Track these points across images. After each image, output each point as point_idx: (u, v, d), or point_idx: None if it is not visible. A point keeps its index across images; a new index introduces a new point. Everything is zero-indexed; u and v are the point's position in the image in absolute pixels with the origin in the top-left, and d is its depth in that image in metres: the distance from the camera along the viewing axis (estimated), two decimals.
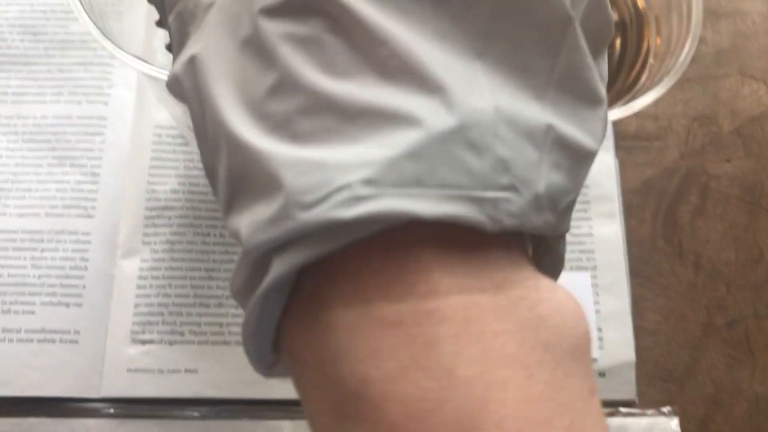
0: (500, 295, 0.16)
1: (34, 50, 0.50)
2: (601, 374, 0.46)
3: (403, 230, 0.16)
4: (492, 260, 0.17)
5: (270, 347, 0.18)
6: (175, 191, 0.47)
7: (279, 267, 0.16)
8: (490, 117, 0.16)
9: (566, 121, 0.18)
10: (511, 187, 0.16)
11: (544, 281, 0.17)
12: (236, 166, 0.17)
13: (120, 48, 0.34)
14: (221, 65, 0.18)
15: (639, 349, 0.46)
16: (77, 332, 0.45)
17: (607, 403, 0.46)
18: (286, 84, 0.16)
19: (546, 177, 0.17)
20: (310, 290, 0.17)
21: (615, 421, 0.45)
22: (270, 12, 0.17)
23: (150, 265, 0.46)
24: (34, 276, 0.45)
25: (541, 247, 0.19)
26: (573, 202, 0.18)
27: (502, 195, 0.16)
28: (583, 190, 0.49)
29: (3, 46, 0.50)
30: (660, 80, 0.33)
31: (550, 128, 0.17)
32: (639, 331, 0.47)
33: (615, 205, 0.49)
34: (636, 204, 0.49)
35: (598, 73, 0.19)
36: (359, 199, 0.15)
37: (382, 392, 0.15)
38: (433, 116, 0.16)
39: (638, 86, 0.36)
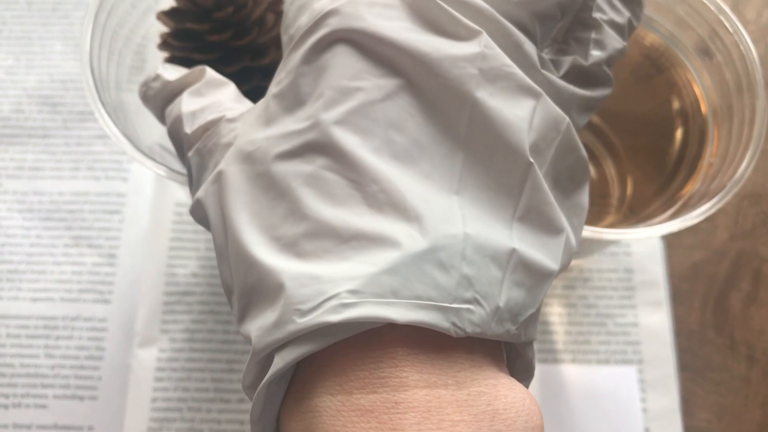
0: (461, 390, 0.19)
1: (52, 122, 0.48)
2: None
3: (380, 332, 0.19)
4: (456, 360, 0.20)
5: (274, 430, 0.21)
6: (195, 275, 0.45)
7: (279, 362, 0.19)
8: (459, 241, 0.20)
9: (529, 246, 0.21)
10: (474, 300, 0.19)
11: (504, 380, 0.20)
12: (250, 281, 0.21)
13: (137, 147, 0.32)
14: (239, 194, 0.22)
15: None
16: (91, 429, 0.42)
17: None
18: (296, 212, 0.21)
19: (507, 293, 0.20)
20: (303, 382, 0.20)
21: None
22: (283, 156, 0.21)
23: (169, 356, 0.43)
24: (47, 366, 0.43)
25: (512, 353, 0.22)
26: (535, 315, 0.21)
27: (465, 306, 0.19)
28: (628, 276, 0.46)
29: (21, 118, 0.48)
30: (717, 191, 0.30)
31: (513, 252, 0.20)
32: (689, 430, 0.43)
33: (662, 292, 0.45)
34: (684, 290, 0.46)
35: (561, 207, 0.23)
36: (345, 306, 0.19)
37: None
38: (409, 239, 0.19)
39: (694, 191, 0.33)
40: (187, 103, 0.26)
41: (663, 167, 0.36)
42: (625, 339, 0.44)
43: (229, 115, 0.25)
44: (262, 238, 0.21)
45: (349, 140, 0.21)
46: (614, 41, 0.25)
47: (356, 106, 0.21)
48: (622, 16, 0.26)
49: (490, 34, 0.23)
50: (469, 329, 0.19)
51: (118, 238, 0.45)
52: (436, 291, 0.19)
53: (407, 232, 0.20)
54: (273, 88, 0.24)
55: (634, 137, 0.39)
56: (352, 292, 0.19)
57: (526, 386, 0.22)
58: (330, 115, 0.21)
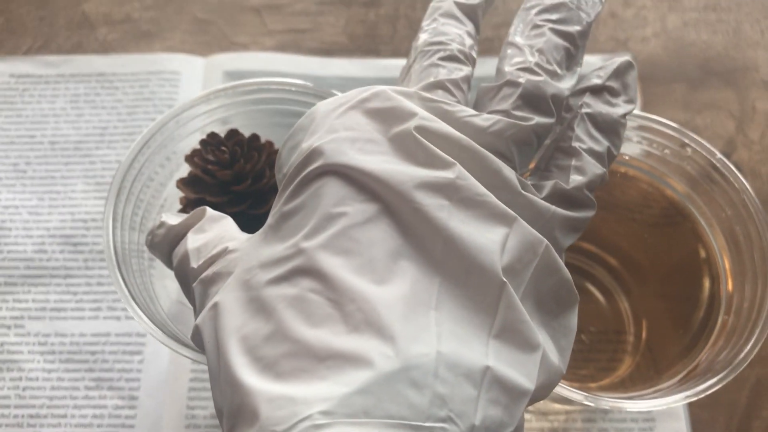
0: None
1: (74, 262, 0.49)
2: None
3: None
4: None
5: None
6: (214, 416, 0.45)
7: None
8: (431, 360, 0.20)
9: (505, 364, 0.21)
10: (448, 419, 0.20)
11: None
12: (235, 402, 0.21)
13: (153, 320, 0.32)
14: (232, 319, 0.23)
15: None
16: None
17: None
18: (278, 333, 0.22)
19: (483, 411, 0.20)
20: None
21: None
22: (273, 281, 0.23)
23: None
24: None
25: None
26: None
27: (438, 425, 0.20)
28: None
29: (44, 258, 0.49)
30: (729, 363, 0.30)
31: (487, 369, 0.21)
32: None
33: (682, 424, 0.45)
34: (704, 420, 0.45)
35: (547, 328, 0.24)
36: (317, 426, 0.19)
37: None
38: (382, 359, 0.20)
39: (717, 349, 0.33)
40: (192, 241, 0.28)
41: (688, 322, 0.36)
42: None
43: (231, 246, 0.26)
44: (246, 359, 0.22)
45: (331, 262, 0.22)
46: (594, 167, 0.27)
47: (340, 229, 0.23)
48: (601, 146, 0.27)
49: (469, 163, 0.24)
50: None
51: (138, 379, 0.45)
52: (409, 410, 0.19)
53: (381, 351, 0.20)
54: (270, 220, 0.25)
55: (658, 284, 0.39)
56: (325, 413, 0.19)
57: None
58: (315, 242, 0.23)
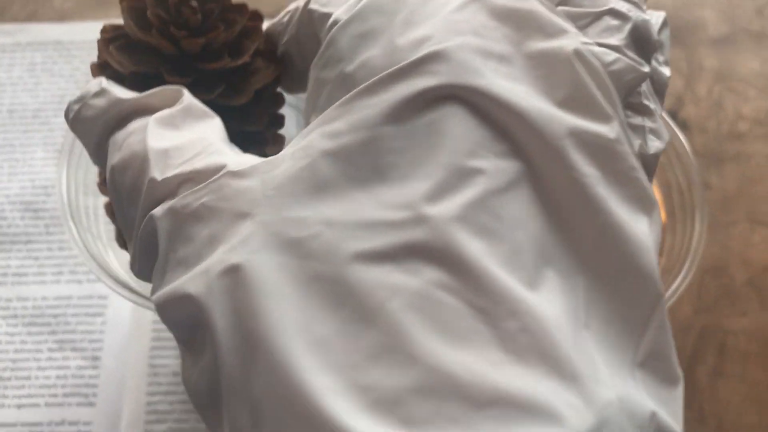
0: None
1: (35, 228, 0.49)
2: None
3: None
4: None
5: None
6: (176, 373, 0.45)
7: None
8: (616, 411, 0.15)
9: (658, 404, 0.16)
10: None
11: None
12: None
13: (115, 278, 0.33)
14: (282, 303, 0.14)
15: None
16: None
17: None
18: (397, 350, 0.13)
19: None
20: None
21: None
22: (368, 258, 0.14)
23: None
24: None
25: None
26: None
27: None
28: None
29: (4, 225, 0.49)
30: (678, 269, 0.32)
31: (654, 416, 0.15)
32: None
33: None
34: None
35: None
36: None
37: None
38: (573, 413, 0.14)
39: None
40: (155, 135, 0.19)
41: None
42: None
43: (233, 166, 0.17)
44: (334, 381, 0.14)
45: (474, 247, 0.15)
46: (665, 133, 0.20)
47: (478, 196, 0.16)
48: (660, 108, 0.21)
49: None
50: None
51: (101, 340, 0.46)
52: None
53: (567, 400, 0.14)
54: (324, 142, 0.17)
55: None
56: None
57: None
58: (446, 208, 0.15)
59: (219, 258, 0.16)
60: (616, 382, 0.15)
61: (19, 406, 0.44)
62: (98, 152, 0.21)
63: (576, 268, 0.16)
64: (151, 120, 0.19)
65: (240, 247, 0.15)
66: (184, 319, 0.16)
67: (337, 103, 0.17)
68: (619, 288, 0.17)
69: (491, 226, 0.15)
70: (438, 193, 0.16)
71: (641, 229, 0.17)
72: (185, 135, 0.19)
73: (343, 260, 0.15)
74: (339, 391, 0.13)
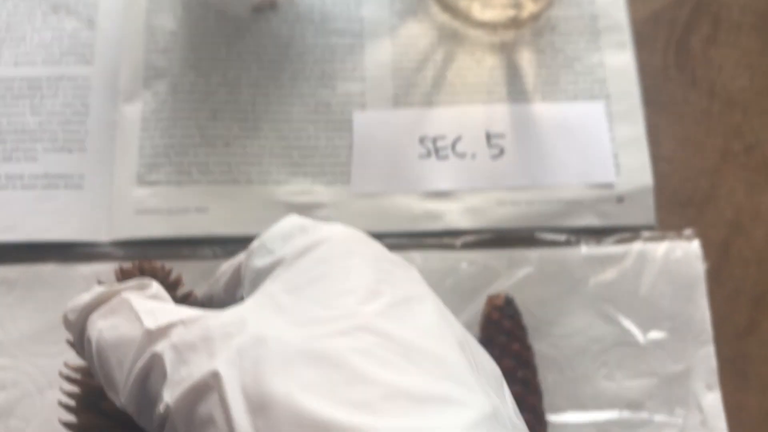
0: None
1: None
2: (619, 199, 0.44)
3: None
4: None
5: None
6: (174, 33, 0.45)
7: None
8: (505, 413, 0.21)
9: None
10: None
11: None
12: None
13: None
14: (275, 371, 0.19)
15: (657, 177, 0.44)
16: (82, 177, 0.42)
17: (626, 229, 0.44)
18: (360, 378, 0.19)
19: None
20: None
21: (635, 247, 0.43)
22: (328, 335, 0.20)
23: (153, 108, 0.43)
24: (34, 123, 0.43)
25: None
26: None
27: None
28: (593, 22, 0.47)
29: None
30: None
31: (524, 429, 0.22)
32: (656, 159, 0.45)
33: (625, 36, 0.46)
34: (647, 34, 0.47)
35: None
36: None
37: None
38: (474, 402, 0.19)
39: None
40: (138, 302, 0.23)
41: None
42: (592, 78, 0.46)
43: (212, 317, 0.22)
44: (327, 402, 0.18)
45: (393, 327, 0.21)
46: None
47: (386, 303, 0.21)
48: None
49: None
50: None
51: (96, 4, 0.45)
52: None
53: (469, 397, 0.19)
54: (278, 285, 0.23)
55: None
56: None
57: None
58: (370, 308, 0.21)
59: (213, 362, 0.20)
60: (498, 402, 0.21)
61: (16, 64, 0.44)
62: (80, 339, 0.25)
63: (461, 341, 0.22)
64: (129, 294, 0.24)
65: (237, 347, 0.20)
66: (193, 404, 0.20)
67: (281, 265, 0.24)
68: (481, 360, 0.23)
69: (404, 318, 0.21)
70: (363, 301, 0.21)
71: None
72: (158, 303, 0.23)
73: (312, 338, 0.20)
74: (329, 406, 0.18)
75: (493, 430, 0.19)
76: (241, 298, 0.28)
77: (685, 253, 0.43)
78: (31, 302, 0.41)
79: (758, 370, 0.42)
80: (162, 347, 0.21)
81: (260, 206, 0.42)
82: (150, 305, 0.23)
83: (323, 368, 0.19)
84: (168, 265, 0.33)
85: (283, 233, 0.26)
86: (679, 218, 0.44)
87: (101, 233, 0.42)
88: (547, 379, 0.41)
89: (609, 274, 0.43)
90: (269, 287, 0.23)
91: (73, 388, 0.31)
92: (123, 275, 0.31)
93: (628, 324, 0.42)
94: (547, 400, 0.40)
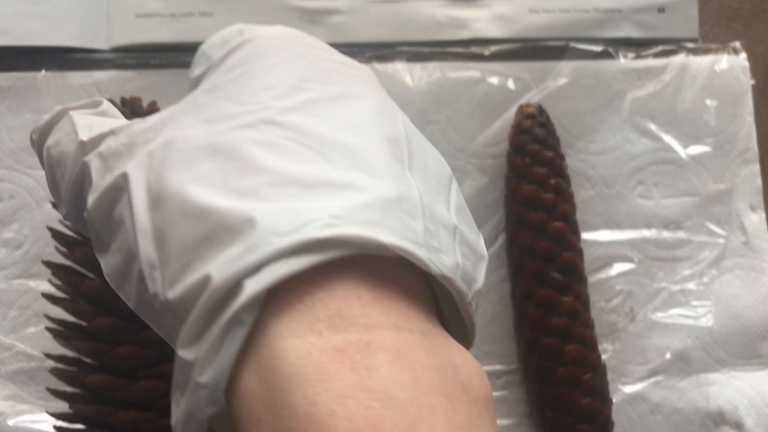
0: (425, 338, 0.18)
1: None
2: (661, 9, 0.40)
3: (343, 272, 0.18)
4: (417, 310, 0.18)
5: (224, 388, 0.18)
6: None
7: (253, 286, 0.17)
8: (417, 200, 0.19)
9: (465, 231, 0.20)
10: (440, 250, 0.19)
11: (455, 343, 0.19)
12: (201, 231, 0.18)
13: None
14: (178, 163, 0.19)
15: None
16: None
17: (667, 41, 0.40)
18: (253, 168, 0.19)
19: (461, 258, 0.19)
20: (261, 326, 0.18)
21: (677, 60, 0.40)
22: (233, 128, 0.20)
23: None
24: None
25: (458, 328, 0.21)
26: (477, 295, 0.20)
27: (435, 251, 0.18)
28: None
29: None
30: None
31: (457, 228, 0.20)
32: None
33: None
34: None
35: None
36: (330, 225, 0.17)
37: (330, 411, 0.16)
38: (376, 187, 0.18)
39: None
40: (79, 116, 0.23)
41: None
42: None
43: (138, 122, 0.22)
44: (213, 191, 0.18)
45: (306, 121, 0.20)
46: None
47: (308, 99, 0.21)
48: None
49: None
50: (444, 270, 0.18)
51: None
52: (408, 231, 0.18)
53: (373, 183, 0.19)
54: (201, 87, 0.23)
55: None
56: (334, 216, 0.17)
57: None
58: (284, 102, 0.21)
59: (137, 159, 0.20)
60: (424, 195, 0.19)
61: None
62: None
63: (400, 138, 0.21)
64: (75, 111, 0.23)
65: (151, 145, 0.20)
66: (105, 212, 0.21)
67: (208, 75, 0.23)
68: (427, 157, 0.21)
69: (322, 113, 0.20)
70: (280, 96, 0.21)
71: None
72: (99, 118, 0.23)
73: (216, 132, 0.20)
74: (216, 195, 0.18)
75: (388, 212, 0.18)
76: None
77: (731, 66, 0.40)
78: (27, 112, 0.38)
79: None
80: (91, 157, 0.21)
81: (269, 11, 0.39)
82: (90, 120, 0.23)
83: (220, 160, 0.19)
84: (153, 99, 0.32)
85: (223, 39, 0.24)
86: (724, 33, 0.41)
87: (99, 39, 0.39)
88: (580, 195, 0.38)
89: (648, 88, 0.40)
90: (194, 91, 0.23)
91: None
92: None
93: (668, 139, 0.39)
94: (580, 217, 0.38)
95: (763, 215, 0.39)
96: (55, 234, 0.31)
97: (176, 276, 0.18)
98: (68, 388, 0.30)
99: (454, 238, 0.20)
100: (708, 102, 0.40)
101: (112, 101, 0.34)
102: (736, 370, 0.37)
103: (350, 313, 0.17)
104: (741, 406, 0.37)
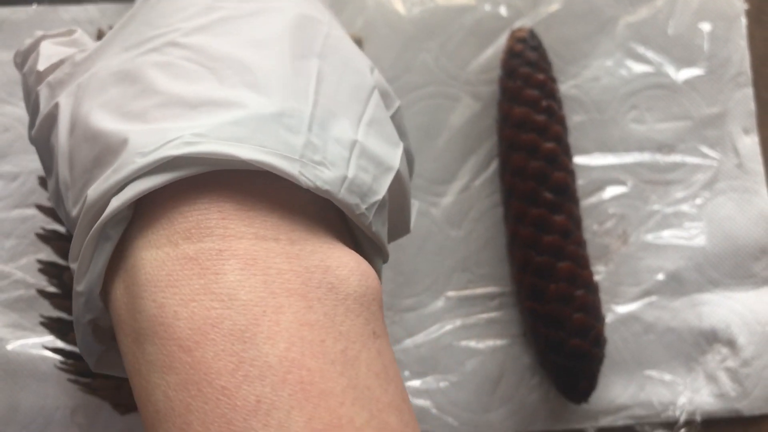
0: (294, 246, 0.19)
1: None
2: None
3: (209, 186, 0.19)
4: (292, 220, 0.19)
5: (97, 296, 0.20)
6: None
7: (115, 202, 0.18)
8: (306, 116, 0.19)
9: (372, 144, 0.21)
10: (322, 164, 0.19)
11: (340, 247, 0.20)
12: (93, 154, 0.19)
13: None
14: (92, 92, 0.20)
15: None
16: None
17: None
18: (147, 91, 0.19)
19: (354, 171, 0.20)
20: (127, 240, 0.19)
21: None
22: (140, 54, 0.21)
23: None
24: None
25: (363, 240, 0.22)
26: (382, 207, 0.21)
27: (313, 165, 0.19)
28: None
29: None
30: None
31: (356, 142, 0.20)
32: None
33: None
34: None
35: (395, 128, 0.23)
36: (189, 143, 0.18)
37: (174, 313, 0.17)
38: (256, 104, 0.19)
39: None
40: (45, 47, 0.24)
41: None
42: None
43: (81, 51, 0.23)
44: (109, 115, 0.19)
45: (210, 40, 0.21)
46: None
47: (218, 18, 0.21)
48: None
49: None
50: (320, 183, 0.19)
51: None
52: (283, 146, 0.19)
53: (255, 99, 0.19)
54: (127, 14, 0.23)
55: None
56: (196, 134, 0.18)
57: (377, 269, 0.22)
58: (193, 23, 0.21)
59: (69, 89, 0.22)
60: (321, 113, 0.20)
61: None
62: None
63: (310, 57, 0.21)
64: (46, 40, 0.24)
65: (83, 79, 0.21)
66: (44, 136, 0.22)
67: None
68: (343, 75, 0.22)
69: (230, 30, 0.21)
70: (190, 18, 0.21)
71: (360, 55, 0.23)
72: (67, 50, 0.24)
73: (126, 59, 0.21)
74: (109, 118, 0.19)
75: (262, 128, 0.19)
76: None
77: None
78: (18, 46, 0.38)
79: None
80: (41, 86, 0.23)
81: None
82: (54, 50, 0.24)
83: (124, 86, 0.20)
84: None
85: None
86: None
87: None
88: (573, 120, 0.38)
89: (641, 13, 0.39)
90: (124, 17, 0.23)
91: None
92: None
93: (661, 64, 0.39)
94: (573, 142, 0.38)
95: (756, 138, 0.39)
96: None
97: (77, 195, 0.20)
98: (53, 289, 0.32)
99: (349, 152, 0.20)
100: (701, 26, 0.39)
101: (102, 31, 0.34)
102: (728, 289, 0.37)
103: (207, 225, 0.18)
104: (733, 325, 0.37)
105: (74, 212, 0.20)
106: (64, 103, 0.21)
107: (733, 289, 0.37)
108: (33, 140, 0.23)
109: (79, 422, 0.35)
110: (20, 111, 0.38)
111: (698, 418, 0.36)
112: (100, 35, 0.34)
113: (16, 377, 0.35)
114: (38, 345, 0.35)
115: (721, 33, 0.39)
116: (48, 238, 0.32)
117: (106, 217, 0.18)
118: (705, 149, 0.38)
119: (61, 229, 0.32)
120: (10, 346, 0.35)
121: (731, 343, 0.37)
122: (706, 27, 0.39)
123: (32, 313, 0.36)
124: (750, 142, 0.39)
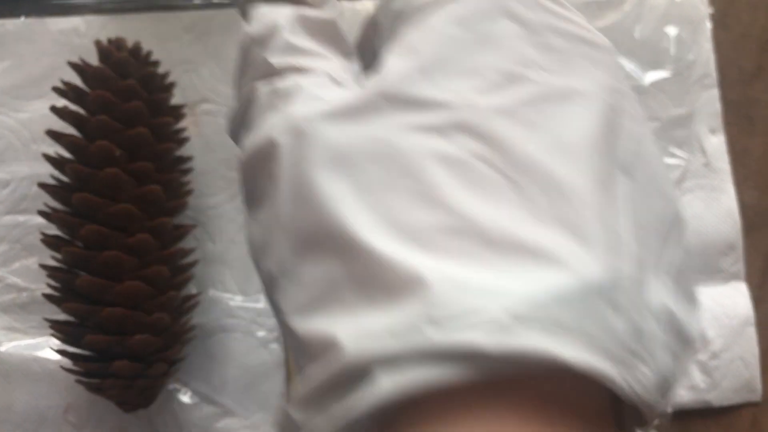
0: None
1: None
2: None
3: (506, 392, 0.14)
4: None
5: None
6: None
7: (388, 386, 0.13)
8: (629, 281, 0.14)
9: (680, 311, 0.16)
10: (640, 356, 0.14)
11: None
12: (354, 271, 0.15)
13: None
14: (331, 158, 0.16)
15: None
16: None
17: None
18: (427, 196, 0.15)
19: (662, 355, 0.15)
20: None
21: None
22: (414, 128, 0.16)
23: None
24: None
25: None
26: (671, 390, 0.16)
27: (635, 362, 0.14)
28: None
29: None
30: None
31: (666, 307, 0.15)
32: None
33: None
34: None
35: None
36: (504, 328, 0.13)
37: None
38: (578, 263, 0.14)
39: None
40: (292, 32, 0.19)
41: None
42: None
43: (335, 73, 0.19)
44: (372, 218, 0.15)
45: (518, 132, 0.15)
46: None
47: (527, 96, 0.16)
48: None
49: None
50: (640, 392, 0.14)
51: None
52: (606, 335, 0.14)
53: (574, 253, 0.14)
54: (395, 51, 0.18)
55: None
56: (509, 311, 0.13)
57: None
58: (493, 99, 0.16)
59: (283, 120, 0.17)
60: (636, 266, 0.15)
61: None
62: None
63: (614, 170, 0.16)
64: (296, 17, 0.20)
65: (303, 112, 0.17)
66: (259, 168, 0.18)
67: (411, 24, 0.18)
68: (649, 199, 0.17)
69: (535, 121, 0.16)
70: (488, 89, 0.16)
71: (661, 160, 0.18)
72: (316, 46, 0.19)
73: (394, 128, 0.16)
74: (375, 226, 0.15)
75: (589, 308, 0.14)
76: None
77: None
78: (8, 58, 0.40)
79: (763, 114, 0.41)
80: (264, 85, 0.19)
81: None
82: (298, 42, 0.19)
83: (386, 170, 0.15)
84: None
85: None
86: None
87: None
88: None
89: (609, 18, 0.41)
90: (386, 53, 0.18)
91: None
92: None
93: (629, 67, 0.40)
94: None
95: (722, 137, 0.40)
96: (48, 157, 0.34)
97: (305, 305, 0.16)
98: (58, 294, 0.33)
99: (663, 329, 0.15)
100: (667, 30, 0.41)
101: (100, 43, 0.35)
102: (698, 285, 0.39)
103: None
104: (702, 318, 0.38)
105: (294, 324, 0.16)
106: (284, 143, 0.17)
107: (702, 284, 0.39)
108: (232, 137, 0.20)
109: (72, 421, 0.36)
110: (11, 122, 0.39)
111: (669, 409, 0.37)
112: (100, 48, 0.35)
113: (10, 378, 0.36)
114: (31, 347, 0.36)
115: (686, 36, 0.41)
116: (54, 244, 0.33)
117: (373, 404, 0.13)
118: (673, 149, 0.40)
119: (64, 236, 0.33)
120: (3, 348, 0.37)
121: (701, 337, 0.38)
122: (672, 31, 0.41)
123: (25, 315, 0.37)
124: (716, 142, 0.40)
